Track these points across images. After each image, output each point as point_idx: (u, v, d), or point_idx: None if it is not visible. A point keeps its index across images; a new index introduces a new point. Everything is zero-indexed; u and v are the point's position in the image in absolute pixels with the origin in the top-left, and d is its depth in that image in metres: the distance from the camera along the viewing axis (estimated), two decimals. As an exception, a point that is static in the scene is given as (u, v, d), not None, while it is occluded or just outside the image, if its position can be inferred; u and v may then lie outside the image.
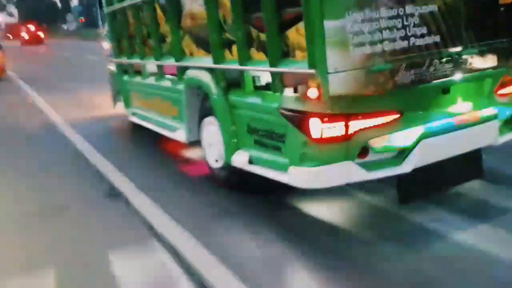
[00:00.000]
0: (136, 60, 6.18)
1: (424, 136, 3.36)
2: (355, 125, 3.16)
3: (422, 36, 3.26)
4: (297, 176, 3.33)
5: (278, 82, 3.50)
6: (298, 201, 4.03)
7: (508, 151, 4.35)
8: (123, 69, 6.82)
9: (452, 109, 3.54)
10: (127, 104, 6.85)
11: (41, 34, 43.90)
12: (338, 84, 3.00)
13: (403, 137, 3.33)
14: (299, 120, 3.24)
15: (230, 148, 4.07)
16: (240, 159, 3.96)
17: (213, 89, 4.21)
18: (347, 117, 3.14)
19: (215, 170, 4.53)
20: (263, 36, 3.57)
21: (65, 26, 60.32)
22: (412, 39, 3.23)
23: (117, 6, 6.32)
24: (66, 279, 3.16)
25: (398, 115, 3.28)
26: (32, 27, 44.40)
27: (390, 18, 3.13)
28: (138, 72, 6.29)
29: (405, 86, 3.22)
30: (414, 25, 3.22)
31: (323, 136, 3.14)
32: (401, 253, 3.13)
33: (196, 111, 4.74)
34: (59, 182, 5.14)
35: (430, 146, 3.38)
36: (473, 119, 3.60)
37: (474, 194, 3.91)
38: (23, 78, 15.24)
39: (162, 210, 4.04)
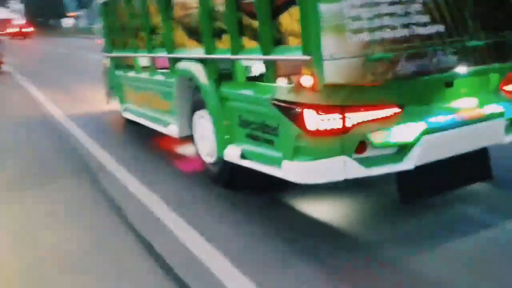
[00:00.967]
0: (128, 54, 6.09)
1: (426, 132, 3.19)
2: (353, 117, 3.01)
3: (425, 24, 3.08)
4: (291, 170, 3.20)
5: (271, 71, 3.37)
6: (294, 199, 3.89)
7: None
8: (116, 64, 6.75)
9: (455, 104, 3.35)
10: (121, 99, 6.76)
11: (28, 29, 48.43)
12: (334, 72, 2.85)
13: (403, 132, 3.16)
14: (292, 111, 3.09)
15: (222, 142, 3.95)
16: (232, 153, 3.83)
17: (205, 80, 4.09)
18: (344, 109, 2.98)
19: (208, 165, 4.40)
20: (255, 24, 3.42)
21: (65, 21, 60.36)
22: (414, 28, 3.05)
23: None
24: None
25: (398, 108, 3.12)
26: (21, 22, 50.35)
27: (391, 3, 2.96)
28: (131, 66, 6.20)
29: (406, 77, 3.06)
30: (417, 12, 3.05)
31: (319, 129, 2.99)
32: (401, 255, 2.98)
33: (188, 104, 4.64)
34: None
35: (433, 143, 3.22)
36: (478, 116, 3.42)
37: (481, 197, 3.73)
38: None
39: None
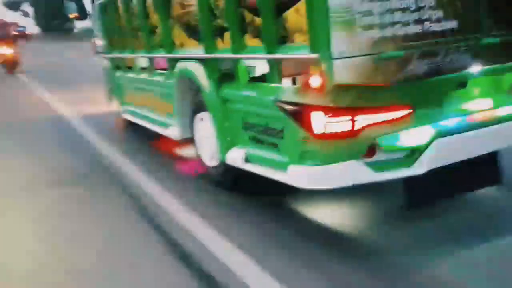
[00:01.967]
0: (127, 54, 6.04)
1: (438, 135, 3.07)
2: (362, 120, 2.88)
3: (438, 20, 2.96)
4: (297, 175, 3.08)
5: (276, 71, 3.27)
6: (294, 202, 3.80)
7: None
8: (115, 65, 6.70)
9: (468, 105, 3.23)
10: (120, 101, 6.71)
11: (27, 32, 48.73)
12: (344, 71, 2.72)
13: (415, 135, 3.05)
14: (299, 113, 2.97)
15: (224, 145, 3.84)
16: (235, 157, 3.72)
17: (205, 81, 3.99)
18: (353, 111, 2.86)
19: (210, 169, 4.31)
20: (258, 21, 3.32)
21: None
22: (427, 24, 2.92)
23: None
24: None
25: (409, 110, 2.99)
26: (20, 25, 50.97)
27: None
28: (130, 67, 6.15)
29: (418, 77, 2.94)
30: (430, 8, 2.92)
31: (326, 132, 2.87)
32: (408, 262, 2.89)
33: (188, 106, 4.56)
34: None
35: (446, 146, 3.09)
36: (492, 118, 3.30)
37: (489, 202, 3.61)
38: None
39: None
